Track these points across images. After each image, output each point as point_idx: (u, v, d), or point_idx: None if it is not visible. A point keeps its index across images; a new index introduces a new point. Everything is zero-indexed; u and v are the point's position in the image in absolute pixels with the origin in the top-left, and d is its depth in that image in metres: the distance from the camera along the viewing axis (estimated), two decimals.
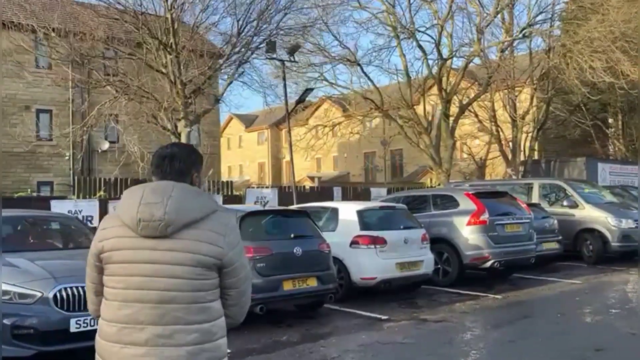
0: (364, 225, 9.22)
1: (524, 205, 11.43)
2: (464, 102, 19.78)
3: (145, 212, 2.01)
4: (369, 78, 18.60)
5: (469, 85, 20.16)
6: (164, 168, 2.15)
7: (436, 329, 7.44)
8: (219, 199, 14.51)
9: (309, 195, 16.26)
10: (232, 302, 2.13)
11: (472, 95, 20.15)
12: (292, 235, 7.77)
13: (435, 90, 19.55)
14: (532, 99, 22.39)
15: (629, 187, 18.76)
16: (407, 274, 9.30)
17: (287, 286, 7.42)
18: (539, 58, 21.34)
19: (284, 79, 14.59)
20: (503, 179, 19.53)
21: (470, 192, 10.79)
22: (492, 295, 9.64)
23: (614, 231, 13.36)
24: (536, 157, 24.71)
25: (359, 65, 18.15)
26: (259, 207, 10.87)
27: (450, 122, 19.22)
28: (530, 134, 22.88)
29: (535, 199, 14.51)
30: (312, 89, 15.98)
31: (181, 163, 2.16)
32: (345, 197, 17.72)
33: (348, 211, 9.49)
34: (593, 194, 14.78)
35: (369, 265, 8.95)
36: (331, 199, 16.95)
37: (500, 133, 22.70)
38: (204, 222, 2.04)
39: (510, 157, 22.30)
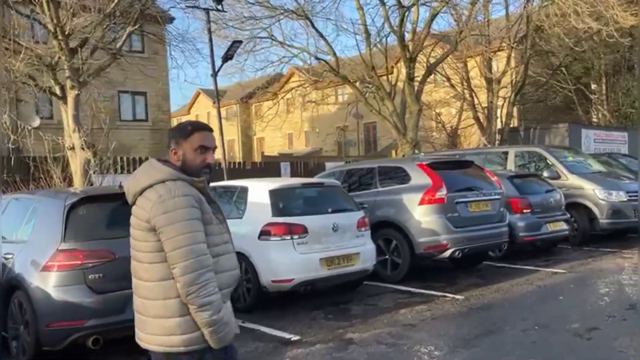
0: (278, 209, 6.89)
1: (494, 179, 9.17)
2: (432, 63, 17.40)
3: (125, 185, 2.46)
4: (321, 35, 16.08)
5: (435, 42, 17.72)
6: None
7: (359, 359, 5.17)
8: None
9: (250, 173, 13.89)
10: (170, 268, 2.29)
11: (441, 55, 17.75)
12: None
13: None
14: (508, 59, 20.08)
15: (616, 154, 16.68)
16: (337, 272, 7.02)
17: None
18: (516, 16, 19.07)
19: (209, 31, 12.13)
20: (477, 147, 17.28)
21: (423, 163, 8.49)
22: (452, 295, 7.41)
23: (602, 205, 11.22)
24: (514, 124, 22.51)
25: (308, 19, 15.62)
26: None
27: (416, 85, 16.85)
28: (507, 99, 20.61)
29: (510, 167, 12.32)
30: (240, 42, 13.47)
31: (166, 138, 2.52)
32: (295, 174, 15.42)
33: (259, 191, 7.14)
34: (578, 162, 12.60)
35: (284, 263, 6.66)
36: (278, 175, 14.61)
37: (475, 98, 20.42)
38: (148, 190, 2.33)
39: (485, 124, 20.04)
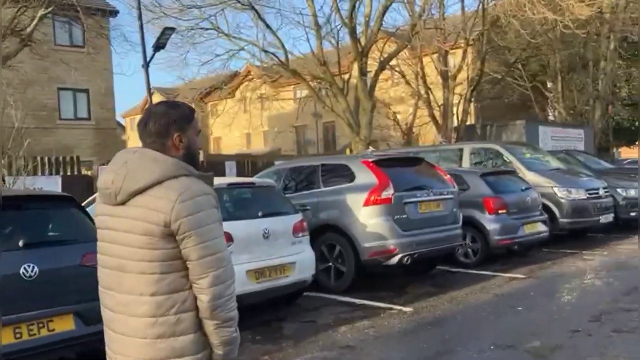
0: None
1: (446, 177, 8.41)
2: (385, 57, 16.67)
3: (101, 180, 2.06)
4: (268, 26, 15.10)
5: (388, 36, 16.96)
6: (140, 133, 2.08)
7: None
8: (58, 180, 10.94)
9: None
10: (192, 278, 1.95)
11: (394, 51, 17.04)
12: None
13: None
14: (464, 55, 19.56)
15: (574, 151, 16.27)
16: (269, 285, 6.12)
17: None
18: (472, 12, 18.60)
19: (140, 17, 11.07)
20: (430, 145, 16.63)
21: (369, 160, 7.64)
22: (399, 307, 6.59)
23: (562, 204, 10.62)
24: (471, 122, 22.02)
25: (253, 9, 14.64)
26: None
27: (369, 80, 16.08)
28: (463, 96, 20.07)
29: (465, 165, 11.65)
30: (172, 29, 12.42)
31: (156, 124, 2.03)
32: (241, 174, 14.42)
33: None
34: (536, 159, 12.01)
35: None
36: (222, 176, 13.59)
37: (430, 95, 19.80)
38: (156, 188, 1.95)
39: (441, 122, 19.45)
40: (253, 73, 28.92)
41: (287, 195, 8.06)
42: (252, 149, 45.33)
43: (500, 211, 8.95)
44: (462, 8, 19.84)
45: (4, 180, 9.04)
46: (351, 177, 7.68)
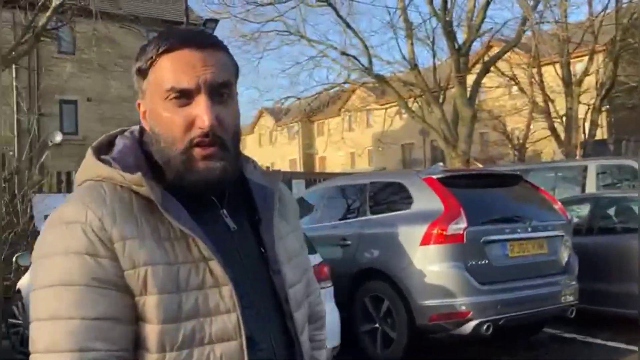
0: None
1: (556, 205, 5.81)
2: (489, 58, 14.01)
3: None
4: (348, 25, 13.07)
5: (493, 33, 14.17)
6: None
7: None
8: None
9: None
10: None
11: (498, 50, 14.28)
12: None
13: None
14: (591, 56, 16.31)
15: None
16: None
17: None
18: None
19: (186, 13, 9.57)
20: (544, 162, 13.64)
21: (433, 177, 5.28)
22: None
23: None
24: (602, 136, 18.48)
25: (330, 5, 12.70)
26: None
27: (470, 85, 13.53)
28: (591, 106, 16.75)
29: (591, 189, 8.78)
30: (216, 20, 10.73)
31: None
32: None
33: None
34: None
35: None
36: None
37: (549, 104, 16.71)
38: None
39: (563, 136, 16.27)
40: (364, 92, 27.31)
41: (326, 224, 5.96)
42: (356, 168, 43.61)
43: None
44: (590, 3, 16.69)
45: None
46: (407, 201, 5.37)
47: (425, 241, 4.95)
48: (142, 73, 1.03)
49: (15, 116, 16.55)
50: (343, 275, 5.32)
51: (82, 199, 0.97)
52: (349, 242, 5.60)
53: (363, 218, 5.73)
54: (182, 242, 0.96)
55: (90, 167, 1.03)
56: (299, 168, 49.15)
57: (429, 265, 4.93)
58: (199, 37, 1.02)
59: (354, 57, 13.42)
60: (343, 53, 13.31)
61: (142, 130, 1.08)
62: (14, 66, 14.28)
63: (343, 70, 13.99)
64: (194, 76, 0.97)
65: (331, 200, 6.36)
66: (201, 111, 0.97)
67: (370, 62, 13.49)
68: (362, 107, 21.52)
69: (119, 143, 1.06)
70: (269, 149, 52.53)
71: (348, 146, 40.17)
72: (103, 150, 1.05)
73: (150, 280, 0.92)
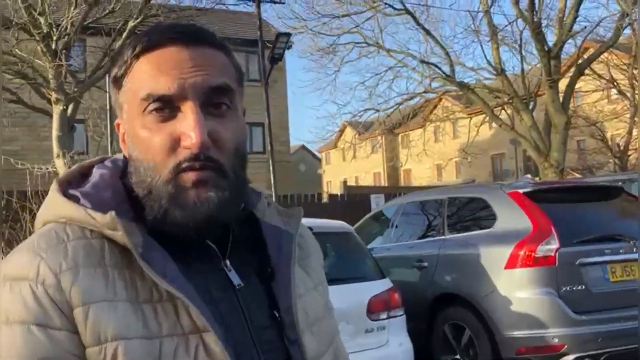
0: None
1: None
2: (584, 59, 13.00)
3: None
4: (427, 32, 12.53)
5: (585, 34, 13.04)
6: None
7: None
8: None
9: (326, 208, 10.81)
10: None
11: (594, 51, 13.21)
12: None
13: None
14: None
15: None
16: None
17: None
18: None
19: (260, 28, 9.49)
20: None
21: (520, 191, 4.74)
22: None
23: None
24: None
25: (409, 13, 12.24)
26: None
27: (562, 89, 12.60)
28: None
29: None
30: (288, 34, 10.54)
31: None
32: None
33: None
34: None
35: None
36: (367, 212, 11.40)
37: None
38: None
39: None
40: (448, 101, 26.66)
41: (399, 244, 5.56)
42: (443, 180, 42.50)
43: None
44: None
45: None
46: (490, 218, 4.85)
47: (511, 264, 4.41)
48: (118, 83, 0.81)
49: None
50: (419, 300, 4.90)
51: (35, 246, 0.74)
52: (425, 264, 5.15)
53: (440, 237, 5.26)
54: (167, 307, 0.74)
55: (52, 205, 0.80)
56: (384, 181, 48.57)
57: (516, 291, 4.39)
58: (187, 32, 0.79)
59: (435, 65, 12.90)
60: (422, 61, 12.82)
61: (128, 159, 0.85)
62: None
63: (424, 79, 13.51)
64: (177, 78, 0.75)
65: (405, 217, 5.94)
66: (188, 125, 0.74)
67: (452, 69, 12.91)
68: (446, 116, 20.82)
69: (95, 174, 0.83)
70: (353, 163, 52.38)
71: (434, 158, 39.29)
72: (74, 184, 0.83)
73: None
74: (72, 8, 7.34)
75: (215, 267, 0.80)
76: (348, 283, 3.99)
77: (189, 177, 0.75)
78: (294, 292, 0.83)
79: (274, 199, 9.28)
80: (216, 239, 0.81)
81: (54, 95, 7.49)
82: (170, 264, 0.74)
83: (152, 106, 0.76)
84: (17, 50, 7.57)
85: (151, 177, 0.76)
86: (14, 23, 7.26)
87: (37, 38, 7.26)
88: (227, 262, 0.81)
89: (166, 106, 0.75)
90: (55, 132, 7.56)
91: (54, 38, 7.25)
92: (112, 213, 0.74)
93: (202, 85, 0.75)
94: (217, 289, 0.79)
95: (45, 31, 7.26)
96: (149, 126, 0.76)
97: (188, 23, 0.96)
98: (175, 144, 0.75)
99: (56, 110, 7.52)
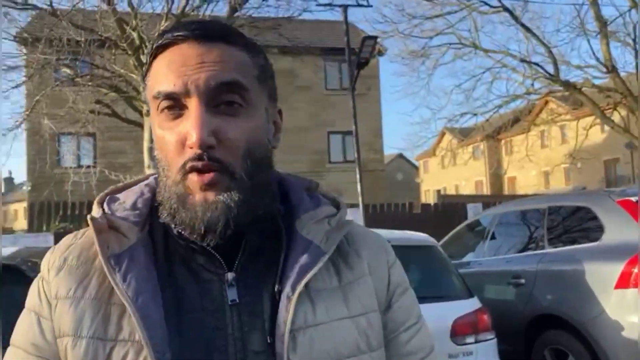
0: None
1: None
2: None
3: None
4: (527, 29, 11.72)
5: None
6: None
7: None
8: None
9: (418, 218, 10.34)
10: None
11: None
12: None
13: None
14: None
15: None
16: None
17: None
18: None
19: (347, 32, 9.23)
20: None
21: (633, 199, 4.12)
22: None
23: None
24: None
25: (506, 10, 11.50)
26: None
27: None
28: None
29: None
30: (374, 37, 10.08)
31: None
32: None
33: None
34: None
35: None
36: (460, 223, 10.86)
37: None
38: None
39: None
40: (555, 104, 25.17)
41: (493, 258, 5.10)
42: (550, 188, 40.18)
43: None
44: None
45: None
46: (597, 229, 4.27)
47: (622, 283, 3.82)
48: (144, 84, 0.85)
49: None
50: (514, 321, 4.42)
51: (58, 245, 0.86)
52: (522, 281, 4.64)
53: (540, 251, 4.72)
54: None
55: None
56: (486, 190, 46.73)
57: (628, 314, 3.79)
58: (200, 29, 0.78)
59: (537, 65, 12.04)
60: (523, 60, 12.01)
61: None
62: None
63: (525, 80, 12.69)
64: (182, 75, 0.75)
65: (501, 228, 5.43)
66: (190, 123, 0.75)
67: (556, 68, 11.99)
68: (551, 119, 19.57)
69: (140, 185, 0.89)
70: (453, 171, 50.88)
71: (540, 165, 37.23)
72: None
73: (69, 358, 0.75)
74: (163, 21, 7.53)
75: (219, 278, 0.79)
76: (429, 302, 3.61)
77: (196, 179, 0.74)
78: (299, 317, 0.76)
79: (361, 208, 8.99)
80: (230, 248, 0.78)
81: (145, 107, 7.72)
82: (143, 271, 0.74)
83: (163, 104, 0.77)
84: (113, 65, 7.89)
85: (166, 177, 0.77)
86: (104, 37, 7.56)
87: (130, 52, 7.51)
88: (230, 274, 0.78)
89: (176, 104, 0.76)
90: (146, 144, 7.78)
91: (145, 51, 7.47)
92: (89, 216, 0.80)
93: (206, 82, 0.74)
94: (211, 301, 0.77)
95: (137, 44, 7.50)
96: (163, 125, 0.78)
97: (206, 20, 0.95)
98: (183, 143, 0.75)
99: (147, 122, 7.74)
